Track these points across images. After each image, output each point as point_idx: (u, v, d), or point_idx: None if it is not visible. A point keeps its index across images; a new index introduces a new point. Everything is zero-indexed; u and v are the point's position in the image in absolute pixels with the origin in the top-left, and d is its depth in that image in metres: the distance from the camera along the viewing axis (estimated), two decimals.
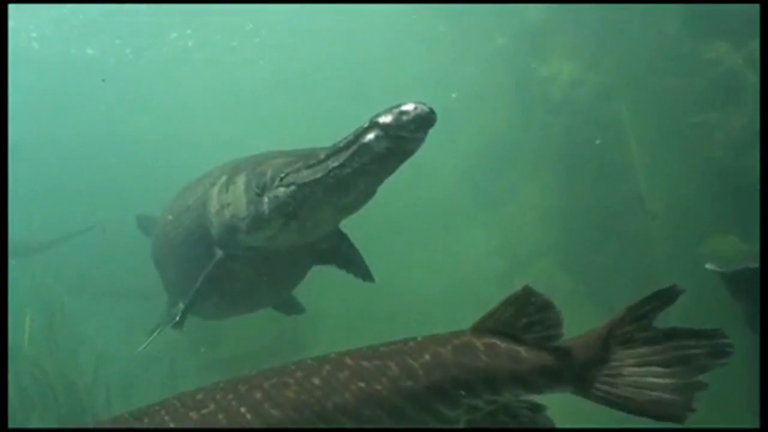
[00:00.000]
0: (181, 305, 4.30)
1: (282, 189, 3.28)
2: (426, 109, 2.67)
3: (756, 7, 5.92)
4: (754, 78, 6.41)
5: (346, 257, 4.01)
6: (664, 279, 7.03)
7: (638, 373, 1.86)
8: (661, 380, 1.84)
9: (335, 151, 3.01)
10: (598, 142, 8.09)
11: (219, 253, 3.82)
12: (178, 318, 4.04)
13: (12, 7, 8.96)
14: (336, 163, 2.99)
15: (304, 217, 3.31)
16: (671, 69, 7.21)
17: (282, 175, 3.30)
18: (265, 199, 3.36)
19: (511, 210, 10.04)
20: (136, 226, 6.03)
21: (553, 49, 9.23)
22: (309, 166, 3.15)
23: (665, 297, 1.95)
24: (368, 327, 8.29)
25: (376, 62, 15.86)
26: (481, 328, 1.98)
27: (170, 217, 4.51)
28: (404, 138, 2.74)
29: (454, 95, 15.04)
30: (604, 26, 8.28)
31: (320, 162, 3.09)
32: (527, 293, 1.95)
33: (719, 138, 6.73)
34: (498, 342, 1.93)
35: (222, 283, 3.98)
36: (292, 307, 4.99)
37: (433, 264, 10.66)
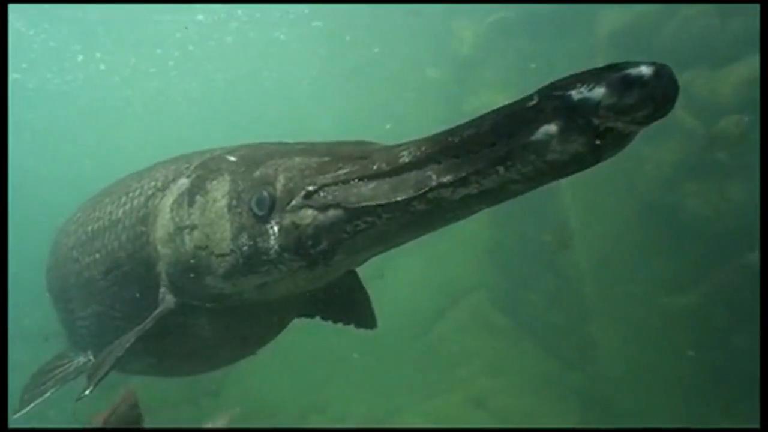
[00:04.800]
0: (91, 362, 3.04)
1: (311, 213, 1.89)
2: (671, 73, 1.33)
3: (689, 39, 5.95)
4: (682, 112, 6.41)
5: (348, 301, 2.81)
6: (594, 314, 6.94)
7: None
8: None
9: (446, 149, 1.59)
10: None
11: (169, 300, 2.42)
12: (90, 390, 2.48)
13: None
14: (450, 177, 1.57)
15: (339, 261, 1.96)
16: None
17: (311, 187, 1.90)
18: (273, 228, 1.97)
19: (445, 245, 9.91)
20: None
21: (483, 81, 9.21)
22: (374, 176, 1.76)
23: None
24: (286, 368, 7.88)
25: (306, 88, 15.69)
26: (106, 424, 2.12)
27: (80, 235, 3.01)
28: (616, 133, 1.38)
29: (388, 126, 15.00)
30: (534, 57, 8.28)
31: (404, 169, 1.69)
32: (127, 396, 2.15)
33: (649, 172, 6.71)
34: None
35: (164, 341, 2.59)
36: None
37: None
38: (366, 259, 2.11)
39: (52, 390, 3.20)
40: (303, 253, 1.94)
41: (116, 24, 13.55)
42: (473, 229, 9.55)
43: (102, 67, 15.66)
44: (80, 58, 15.26)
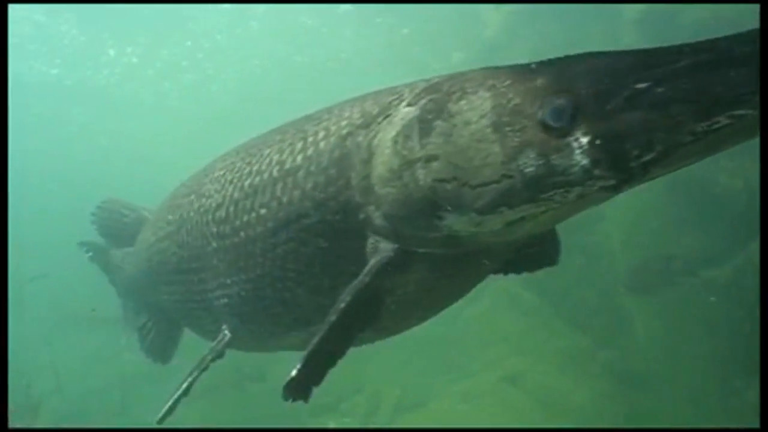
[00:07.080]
0: (228, 338, 2.82)
1: (639, 115, 1.52)
2: None
3: (713, 20, 5.93)
4: None
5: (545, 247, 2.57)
6: (625, 291, 6.96)
7: None
8: None
9: None
10: None
11: (384, 248, 2.09)
12: (298, 369, 2.14)
13: None
14: None
15: (654, 174, 1.60)
16: None
17: (640, 84, 1.53)
18: (580, 140, 1.60)
19: None
20: (85, 253, 4.83)
21: (510, 63, 9.22)
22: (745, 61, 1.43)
23: None
24: None
25: (335, 73, 15.70)
26: None
27: (233, 192, 2.68)
28: None
29: None
30: (562, 39, 8.28)
31: None
32: None
33: None
34: None
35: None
36: None
37: None
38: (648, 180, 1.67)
39: (189, 380, 2.92)
40: (621, 165, 1.57)
41: (144, 17, 13.72)
42: None
43: (134, 60, 15.90)
44: (112, 52, 15.49)
